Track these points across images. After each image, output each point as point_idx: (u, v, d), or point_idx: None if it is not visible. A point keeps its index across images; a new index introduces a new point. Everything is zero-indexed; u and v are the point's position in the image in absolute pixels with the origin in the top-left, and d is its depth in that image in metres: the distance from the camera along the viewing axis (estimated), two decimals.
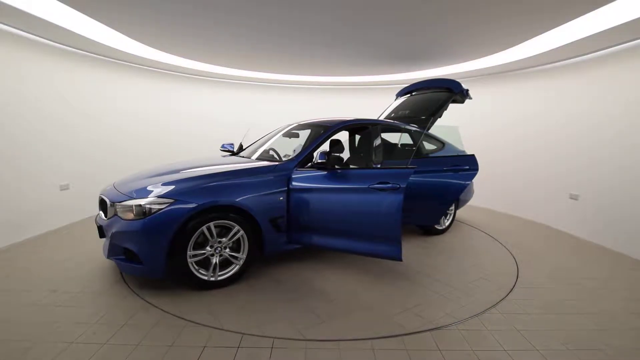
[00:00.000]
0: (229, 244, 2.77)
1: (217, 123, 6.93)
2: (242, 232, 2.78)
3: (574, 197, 4.59)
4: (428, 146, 4.30)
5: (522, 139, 5.44)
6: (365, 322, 2.32)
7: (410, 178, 3.56)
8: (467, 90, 4.38)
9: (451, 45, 4.37)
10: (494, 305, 2.60)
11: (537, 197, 5.20)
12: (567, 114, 4.75)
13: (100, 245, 3.51)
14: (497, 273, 3.19)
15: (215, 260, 2.72)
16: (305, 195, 2.95)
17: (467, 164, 3.88)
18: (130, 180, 3.02)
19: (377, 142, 3.72)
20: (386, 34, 3.88)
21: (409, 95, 4.99)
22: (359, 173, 2.91)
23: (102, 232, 2.77)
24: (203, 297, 2.61)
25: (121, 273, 2.98)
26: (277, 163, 3.12)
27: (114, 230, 2.59)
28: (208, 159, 3.55)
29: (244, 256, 2.83)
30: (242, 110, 7.22)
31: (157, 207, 2.49)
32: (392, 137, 4.44)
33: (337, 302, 2.60)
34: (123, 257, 2.63)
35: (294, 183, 2.98)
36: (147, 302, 2.52)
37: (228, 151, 4.09)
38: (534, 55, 4.56)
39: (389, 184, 2.70)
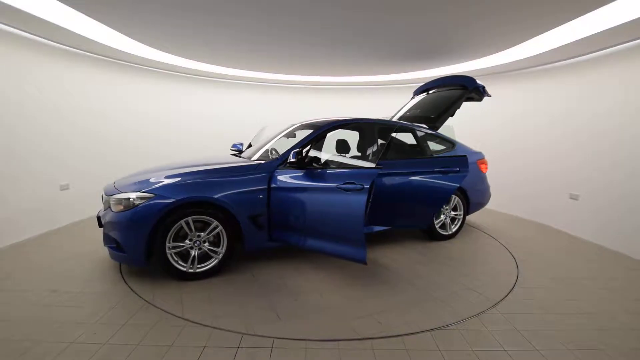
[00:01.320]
0: (208, 238, 2.90)
1: (217, 123, 6.93)
2: (220, 227, 2.88)
3: (574, 197, 4.59)
4: (435, 146, 4.16)
5: (522, 139, 5.44)
6: (319, 325, 2.29)
7: (394, 180, 3.52)
8: (484, 86, 4.12)
9: (451, 46, 4.37)
10: (494, 305, 2.60)
11: (537, 197, 5.20)
12: (567, 114, 4.75)
13: (100, 245, 3.58)
14: (489, 283, 2.97)
15: (194, 253, 2.86)
16: (283, 194, 3.00)
17: (457, 166, 3.59)
18: (128, 177, 3.19)
19: (374, 141, 3.71)
20: (386, 34, 3.88)
21: (425, 93, 4.75)
22: (329, 173, 2.92)
23: (100, 222, 2.99)
24: (178, 287, 2.77)
25: (121, 273, 2.99)
26: (259, 162, 3.19)
27: (105, 220, 2.84)
28: (206, 159, 3.58)
29: (223, 251, 2.94)
30: (243, 110, 7.22)
31: (140, 201, 2.70)
32: (406, 137, 4.32)
33: (302, 302, 2.59)
34: (114, 245, 2.83)
35: (274, 182, 3.04)
36: (147, 302, 2.52)
37: (239, 150, 4.16)
38: (534, 55, 4.56)
39: (355, 184, 2.70)
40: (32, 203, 3.98)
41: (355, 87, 7.43)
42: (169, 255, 2.77)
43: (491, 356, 2.00)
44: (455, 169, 3.57)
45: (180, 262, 2.83)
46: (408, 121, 4.36)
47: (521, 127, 5.49)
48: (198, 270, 2.88)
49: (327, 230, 2.84)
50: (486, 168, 4.51)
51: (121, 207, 2.73)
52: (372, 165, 2.89)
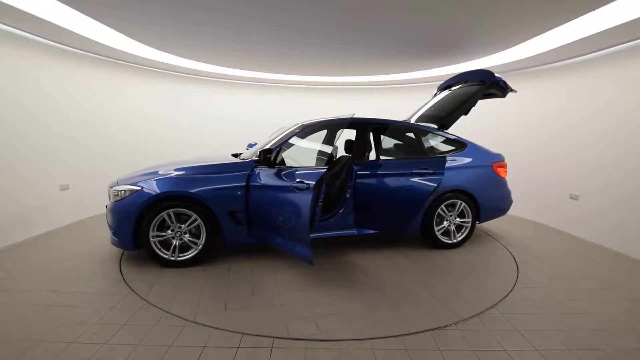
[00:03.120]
0: (190, 230, 3.11)
1: (217, 123, 6.93)
2: (199, 220, 3.08)
3: (574, 197, 4.59)
4: (443, 147, 3.95)
5: (522, 139, 5.44)
6: (256, 320, 2.32)
7: (374, 181, 3.46)
8: (504, 81, 3.73)
9: (450, 47, 4.37)
10: (494, 305, 2.60)
11: (537, 197, 5.20)
12: (566, 114, 4.75)
13: (100, 245, 3.66)
14: (469, 296, 2.71)
15: (175, 242, 3.10)
16: (258, 192, 3.11)
17: (434, 167, 3.32)
18: (131, 173, 3.40)
19: (366, 141, 3.72)
20: (386, 35, 3.88)
21: (448, 90, 4.36)
22: (290, 172, 2.99)
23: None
24: (159, 273, 3.02)
25: (121, 273, 3.00)
26: (240, 160, 3.34)
27: (107, 209, 3.20)
28: (203, 158, 3.67)
29: (202, 242, 3.13)
30: (243, 110, 7.22)
31: (128, 193, 3.03)
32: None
33: (257, 297, 2.66)
34: (113, 231, 3.13)
35: (252, 180, 3.15)
36: (147, 301, 2.53)
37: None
38: (534, 55, 4.56)
39: (303, 183, 2.76)
40: (32, 203, 3.98)
41: (356, 87, 7.43)
42: (152, 243, 3.03)
43: (491, 356, 2.00)
44: (430, 171, 3.30)
45: (163, 250, 3.08)
46: (425, 121, 4.17)
47: (522, 127, 5.49)
48: (179, 259, 3.11)
49: (284, 228, 2.94)
50: (505, 172, 4.10)
51: (117, 198, 3.06)
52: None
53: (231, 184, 3.12)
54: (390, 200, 3.43)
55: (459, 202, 3.78)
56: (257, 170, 3.18)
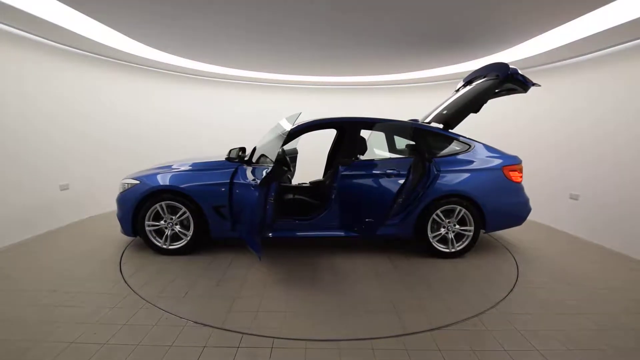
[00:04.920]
0: (181, 221, 3.38)
1: (217, 123, 6.94)
2: (188, 213, 3.33)
3: (574, 197, 4.59)
4: (443, 147, 3.70)
5: (522, 139, 5.44)
6: (202, 307, 2.47)
7: (348, 182, 3.35)
8: (523, 75, 3.38)
9: (451, 47, 4.37)
10: (494, 306, 2.60)
11: (537, 197, 5.18)
12: (567, 114, 4.74)
13: (100, 245, 3.69)
14: (429, 312, 2.46)
15: (167, 232, 3.39)
16: (236, 189, 3.31)
17: (398, 169, 3.19)
18: (152, 166, 3.72)
19: (355, 140, 3.62)
20: (386, 35, 3.88)
21: (469, 86, 4.00)
22: (255, 169, 3.08)
23: None
24: (149, 259, 3.31)
25: (121, 273, 3.01)
26: (229, 159, 3.52)
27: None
28: (202, 157, 3.80)
29: (191, 233, 3.38)
30: (243, 110, 7.22)
31: (129, 186, 3.39)
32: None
33: (219, 288, 2.79)
34: (119, 218, 3.44)
35: (235, 177, 3.34)
36: (147, 301, 2.53)
37: None
38: (535, 55, 4.55)
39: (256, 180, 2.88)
40: (32, 203, 3.98)
41: (356, 87, 7.43)
42: (147, 232, 3.35)
43: (491, 356, 2.00)
44: (395, 172, 3.18)
45: (157, 238, 3.39)
46: (437, 120, 3.96)
47: (521, 127, 5.49)
48: (170, 247, 3.39)
49: (245, 222, 3.03)
50: (519, 176, 3.75)
51: (122, 190, 3.43)
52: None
53: (216, 180, 3.33)
54: (359, 202, 3.32)
55: (458, 208, 3.45)
56: (241, 168, 3.37)
